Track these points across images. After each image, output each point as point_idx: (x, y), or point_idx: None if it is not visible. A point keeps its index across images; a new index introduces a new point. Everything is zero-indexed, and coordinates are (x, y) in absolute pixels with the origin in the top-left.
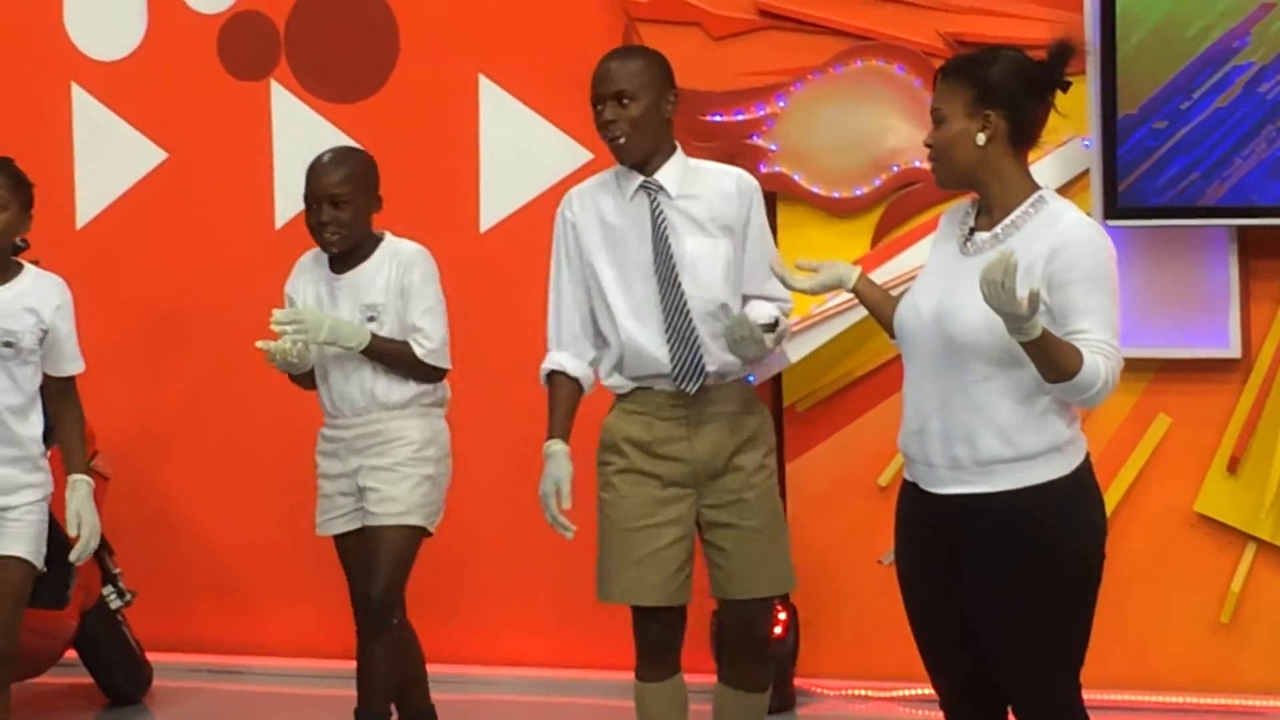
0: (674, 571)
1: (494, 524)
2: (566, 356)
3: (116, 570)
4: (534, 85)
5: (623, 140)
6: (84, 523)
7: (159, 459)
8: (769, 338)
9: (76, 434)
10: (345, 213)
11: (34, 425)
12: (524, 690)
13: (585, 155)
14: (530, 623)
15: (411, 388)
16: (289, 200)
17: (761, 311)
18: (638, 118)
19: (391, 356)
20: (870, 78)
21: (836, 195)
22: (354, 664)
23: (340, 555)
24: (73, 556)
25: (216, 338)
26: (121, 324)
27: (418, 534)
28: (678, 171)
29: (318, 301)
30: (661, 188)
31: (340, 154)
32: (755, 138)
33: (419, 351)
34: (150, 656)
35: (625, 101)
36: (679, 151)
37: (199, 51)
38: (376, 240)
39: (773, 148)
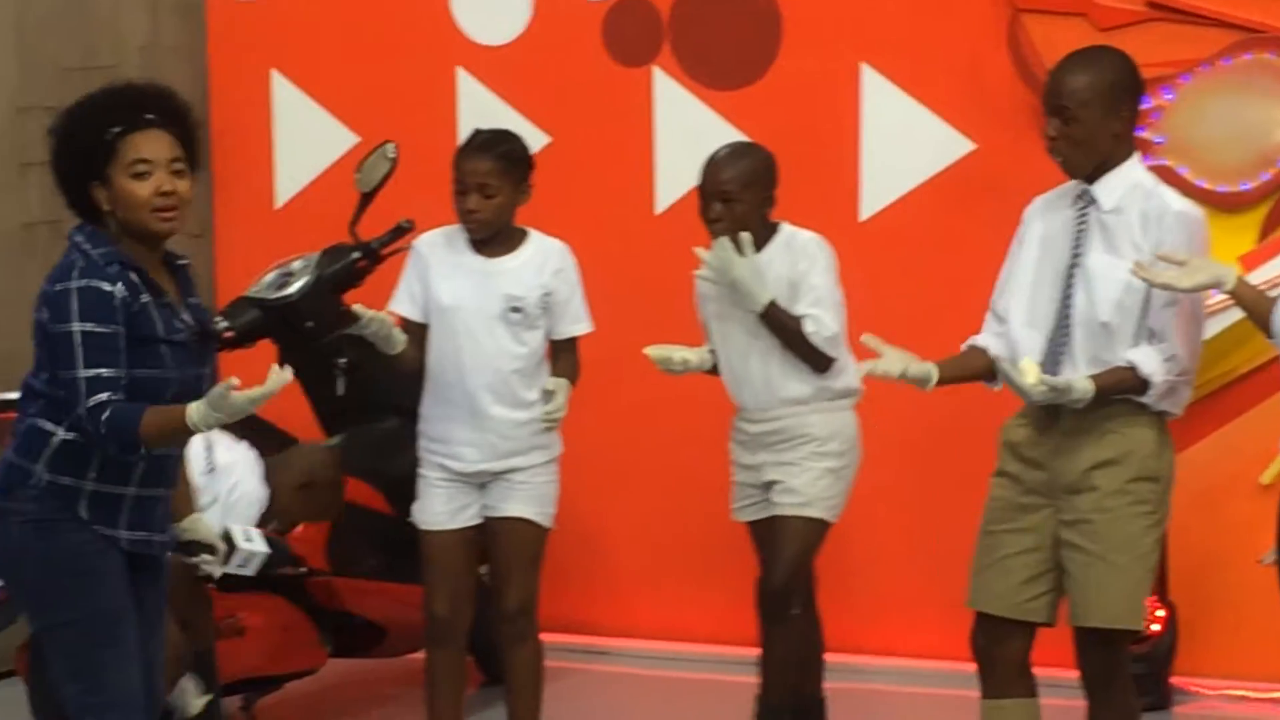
0: (1020, 583)
1: (884, 513)
2: (990, 337)
3: None
4: (917, 75)
5: (1059, 157)
6: None
7: None
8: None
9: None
10: (735, 209)
11: (540, 389)
12: (911, 681)
13: (967, 145)
14: (919, 613)
15: (812, 383)
16: (670, 185)
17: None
18: (1075, 134)
19: (788, 331)
20: (1260, 71)
21: (1223, 189)
22: (727, 649)
23: (754, 542)
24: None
25: (594, 321)
26: None
27: (819, 526)
28: (1119, 186)
29: (715, 291)
30: (1094, 199)
31: (737, 150)
32: (1142, 130)
33: (808, 328)
34: None
35: (1066, 118)
36: (1128, 165)
37: (583, 37)
38: (772, 231)
39: (1159, 140)
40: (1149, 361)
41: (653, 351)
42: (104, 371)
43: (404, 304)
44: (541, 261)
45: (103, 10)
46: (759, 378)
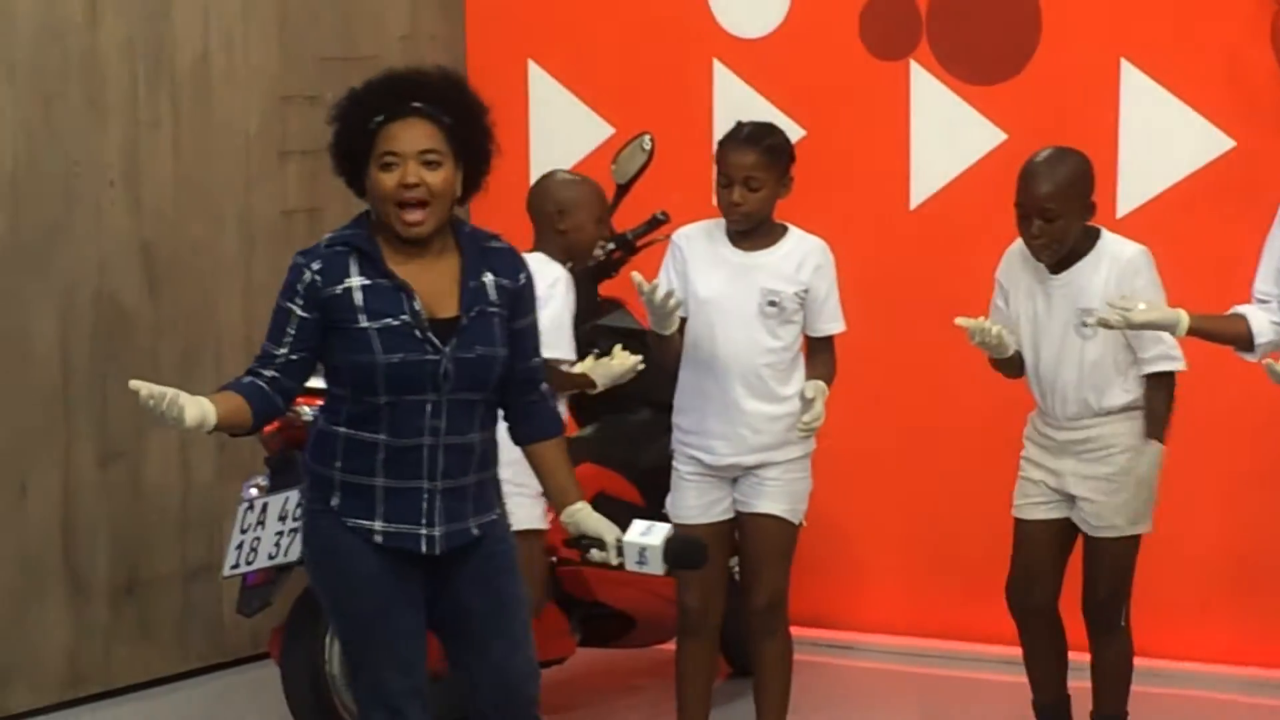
0: None
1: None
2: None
3: None
4: (1177, 71)
5: None
6: None
7: None
8: None
9: None
10: (1057, 226)
11: (795, 385)
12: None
13: (1227, 143)
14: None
15: (1126, 393)
16: (925, 181)
17: None
18: None
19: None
20: None
21: None
22: (971, 646)
23: (1017, 536)
24: None
25: (848, 318)
26: None
27: (1136, 541)
28: None
29: (1029, 299)
30: None
31: (1054, 159)
32: None
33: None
34: None
35: None
36: None
37: (840, 30)
38: (1093, 239)
39: None
40: None
41: (965, 321)
42: (266, 345)
43: None
44: (801, 258)
45: (364, 1)
46: (1072, 387)
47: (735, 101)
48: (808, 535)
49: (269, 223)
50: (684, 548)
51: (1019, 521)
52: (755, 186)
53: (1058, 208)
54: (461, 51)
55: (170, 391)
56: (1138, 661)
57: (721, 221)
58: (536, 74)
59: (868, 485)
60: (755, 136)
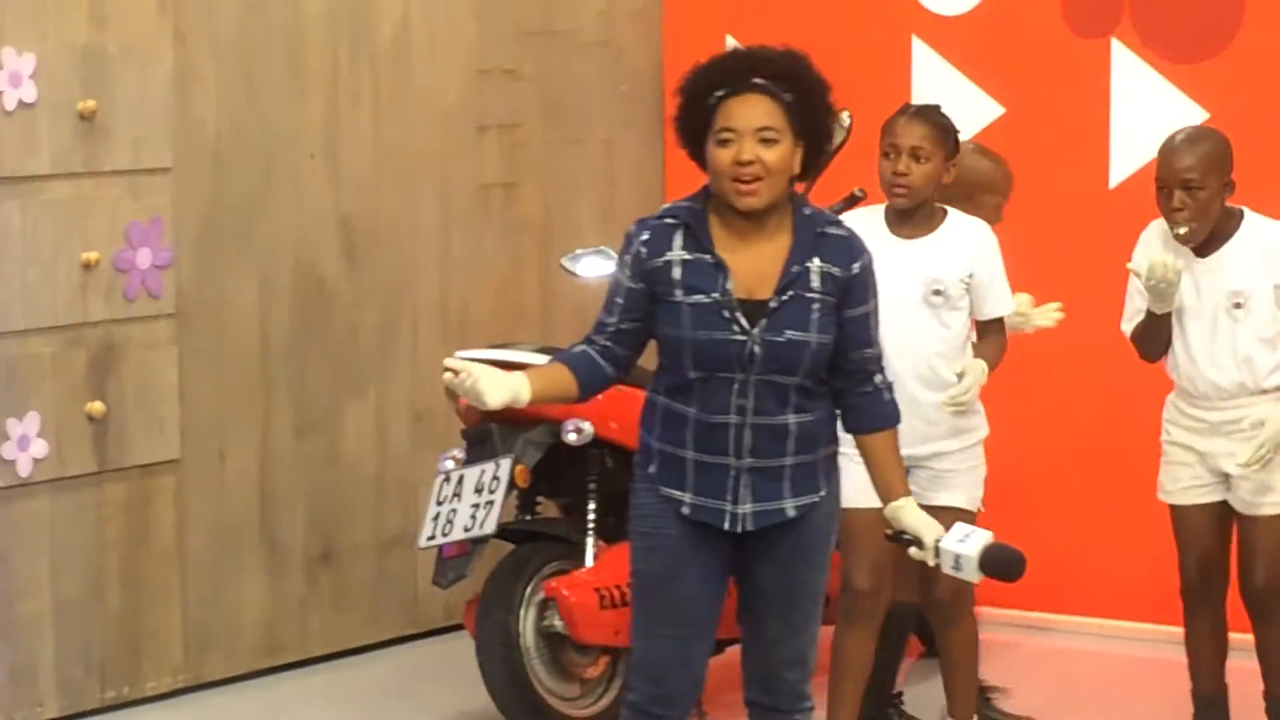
0: None
1: None
2: None
3: None
4: None
5: None
6: None
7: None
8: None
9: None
10: (1199, 197)
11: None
12: None
13: None
14: None
15: None
16: (1125, 160)
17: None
18: None
19: None
20: None
21: None
22: (1162, 627)
23: (1178, 524)
24: None
25: (1045, 295)
26: None
27: None
28: None
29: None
30: None
31: (1194, 135)
32: None
33: None
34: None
35: None
36: None
37: (1042, 7)
38: (1237, 220)
39: None
40: None
41: (1138, 265)
42: (601, 314)
43: None
44: (963, 242)
45: None
46: (1227, 369)
47: (934, 79)
48: (994, 516)
49: (466, 196)
50: (1001, 558)
51: (1177, 509)
52: (922, 159)
53: (1200, 179)
54: (658, 25)
55: (472, 370)
56: None
57: (879, 209)
58: (736, 45)
59: (1053, 465)
60: (924, 111)
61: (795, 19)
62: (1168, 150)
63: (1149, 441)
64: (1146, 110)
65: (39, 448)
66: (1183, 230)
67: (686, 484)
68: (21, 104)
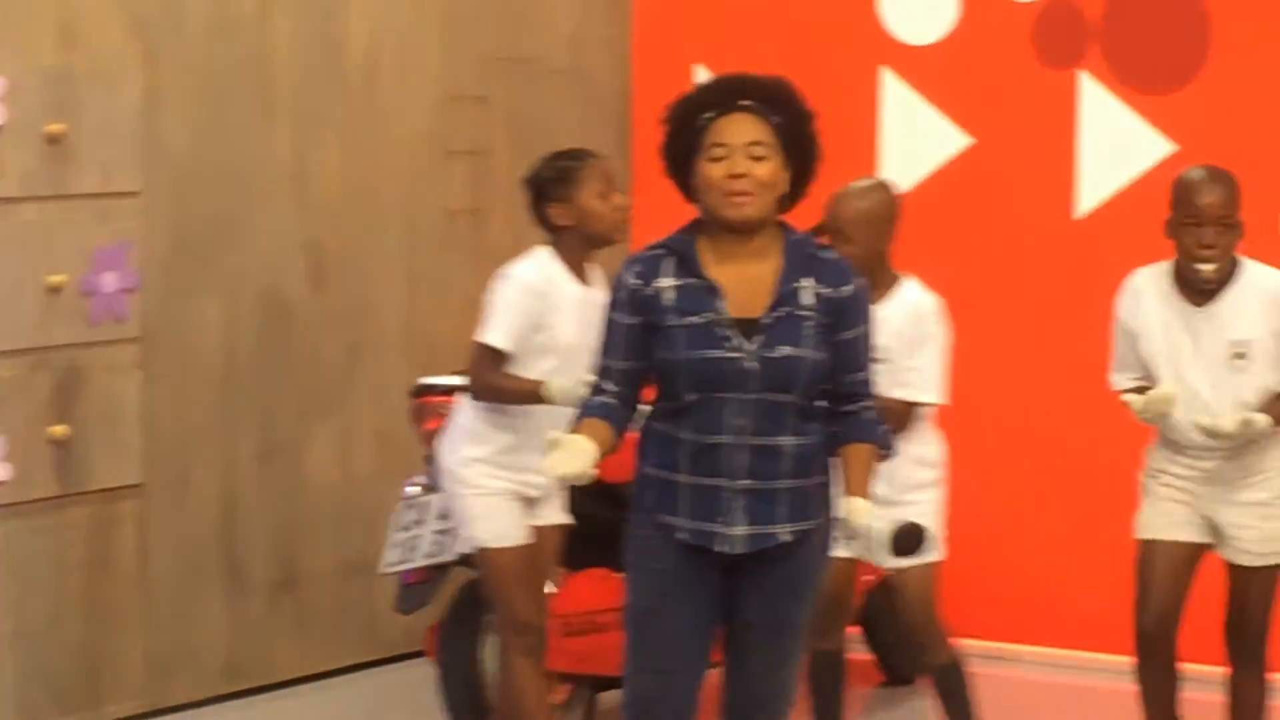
0: None
1: None
2: None
3: None
4: None
5: None
6: None
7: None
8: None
9: None
10: (1230, 237)
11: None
12: None
13: None
14: None
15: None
16: (1091, 190)
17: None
18: None
19: None
20: None
21: None
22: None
23: (1146, 562)
24: None
25: (1011, 325)
26: None
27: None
28: None
29: (1165, 331)
30: None
31: (1217, 172)
32: None
33: None
34: None
35: None
36: None
37: (1011, 38)
38: (1234, 267)
39: None
40: None
41: (1133, 399)
42: (603, 360)
43: None
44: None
45: (531, 1)
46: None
47: (903, 109)
48: (964, 549)
49: (433, 222)
50: (904, 532)
51: (1149, 544)
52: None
53: (1234, 216)
54: (627, 54)
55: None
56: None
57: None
58: (703, 78)
59: (1023, 497)
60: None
61: (764, 48)
62: (1197, 186)
63: (1112, 472)
64: (1114, 141)
65: (2, 471)
66: (1209, 269)
67: (681, 509)
68: None
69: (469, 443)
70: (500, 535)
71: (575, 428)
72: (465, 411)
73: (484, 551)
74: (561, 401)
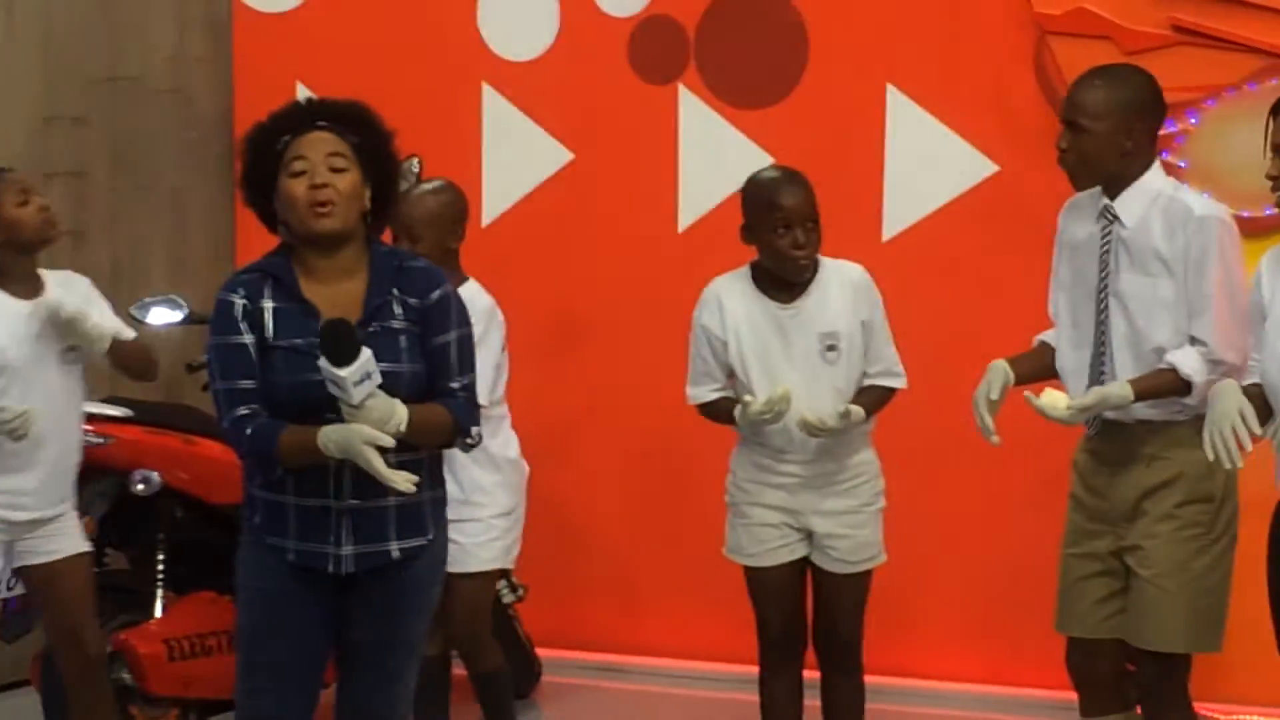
0: (1094, 603)
1: (936, 539)
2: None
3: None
4: (942, 96)
5: (1066, 169)
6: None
7: (557, 458)
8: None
9: None
10: (816, 234)
11: None
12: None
13: (991, 167)
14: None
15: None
16: (693, 203)
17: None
18: (1084, 147)
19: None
20: None
21: (1246, 214)
22: (737, 667)
23: (759, 586)
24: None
25: (617, 339)
26: (523, 322)
27: (870, 575)
28: (1138, 201)
29: (754, 333)
30: (1116, 217)
31: (790, 173)
32: (1165, 154)
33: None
34: (540, 652)
35: (1077, 131)
36: (1147, 177)
37: (609, 54)
38: (818, 264)
39: (1182, 165)
40: (1189, 361)
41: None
42: (239, 383)
43: None
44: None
45: (129, 21)
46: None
47: (504, 124)
48: (581, 560)
49: None
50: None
51: (756, 571)
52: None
53: (817, 213)
54: (229, 73)
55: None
56: (900, 682)
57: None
58: (304, 95)
59: (636, 510)
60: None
61: (365, 66)
62: (780, 188)
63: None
64: (713, 154)
65: None
66: (807, 264)
67: (289, 531)
68: None
69: None
70: None
71: (282, 444)
72: None
73: None
74: None
